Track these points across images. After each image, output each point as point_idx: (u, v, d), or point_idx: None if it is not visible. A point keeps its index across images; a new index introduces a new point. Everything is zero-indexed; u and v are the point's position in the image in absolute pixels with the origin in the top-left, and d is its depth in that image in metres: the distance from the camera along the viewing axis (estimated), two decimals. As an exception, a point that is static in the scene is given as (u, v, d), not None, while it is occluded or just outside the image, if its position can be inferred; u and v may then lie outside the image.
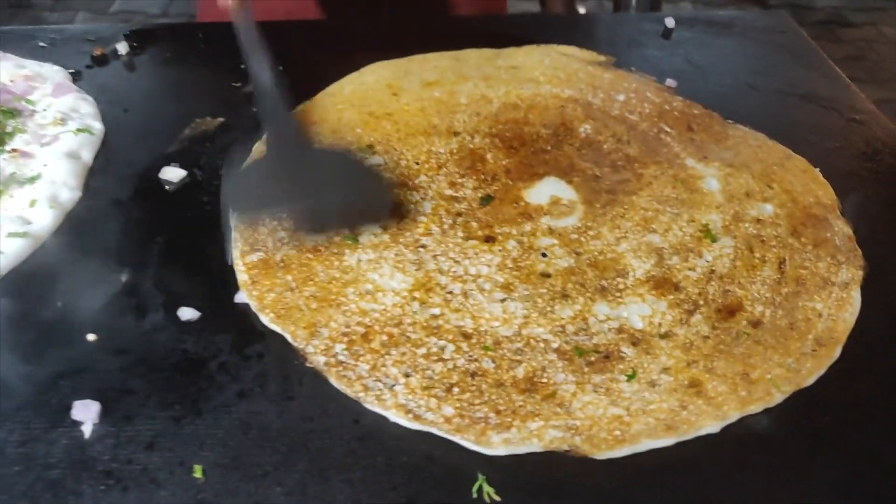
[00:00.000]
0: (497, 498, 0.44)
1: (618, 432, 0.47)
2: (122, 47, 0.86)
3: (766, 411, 0.49)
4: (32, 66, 0.81)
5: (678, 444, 0.47)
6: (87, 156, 0.70)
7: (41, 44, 0.86)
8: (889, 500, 0.45)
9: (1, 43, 0.85)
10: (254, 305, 0.54)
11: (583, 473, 0.45)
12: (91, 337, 0.54)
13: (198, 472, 0.46)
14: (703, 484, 0.45)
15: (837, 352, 0.53)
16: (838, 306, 0.56)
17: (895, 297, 0.58)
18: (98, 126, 0.73)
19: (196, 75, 0.83)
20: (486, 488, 0.44)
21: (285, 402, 0.50)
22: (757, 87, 0.82)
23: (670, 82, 0.81)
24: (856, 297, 0.57)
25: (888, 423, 0.49)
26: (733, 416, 0.48)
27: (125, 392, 0.51)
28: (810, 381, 0.51)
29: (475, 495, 0.44)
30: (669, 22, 0.92)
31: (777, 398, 0.49)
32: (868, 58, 2.49)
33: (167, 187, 0.68)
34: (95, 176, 0.69)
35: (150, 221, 0.64)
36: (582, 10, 1.23)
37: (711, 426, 0.47)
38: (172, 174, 0.68)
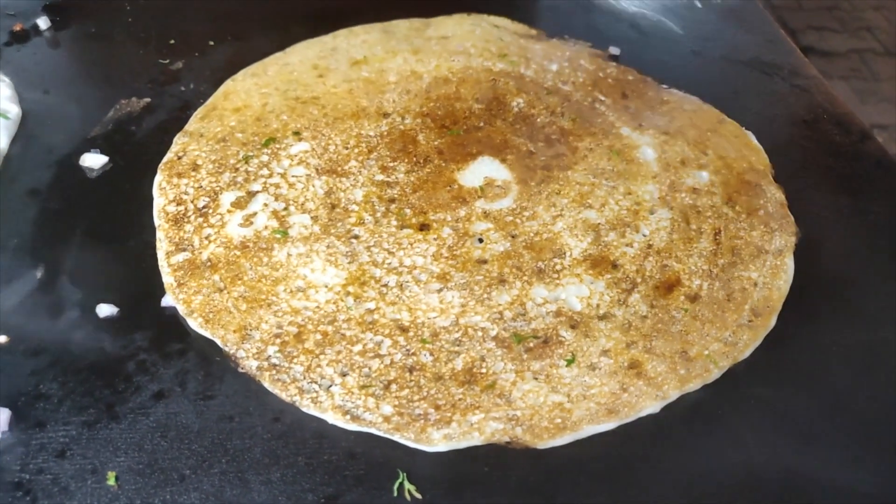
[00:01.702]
0: (418, 496, 0.43)
1: (559, 420, 0.46)
2: (43, 22, 0.80)
3: (704, 387, 0.49)
4: None
5: (619, 428, 0.47)
6: (2, 142, 0.66)
7: None
8: (831, 457, 0.46)
9: None
10: (181, 310, 0.52)
11: (511, 465, 0.45)
12: (2, 339, 0.51)
13: (111, 480, 0.44)
14: (643, 467, 0.45)
15: (773, 321, 0.54)
16: (773, 274, 0.57)
17: (828, 262, 0.59)
18: (15, 109, 0.69)
19: (122, 51, 0.78)
20: (408, 486, 0.44)
21: (205, 401, 0.48)
22: (701, 54, 0.81)
23: (613, 50, 0.79)
24: (789, 263, 0.58)
25: (824, 387, 0.50)
26: (673, 396, 0.48)
27: (37, 397, 0.48)
28: (747, 353, 0.51)
29: (395, 493, 0.44)
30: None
31: (714, 374, 0.50)
32: (840, 7, 2.50)
33: (88, 175, 0.64)
34: (11, 164, 0.65)
35: (68, 212, 0.61)
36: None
37: (652, 407, 0.47)
38: (94, 161, 0.64)
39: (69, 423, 0.47)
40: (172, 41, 0.80)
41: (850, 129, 0.71)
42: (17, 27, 0.81)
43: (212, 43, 0.80)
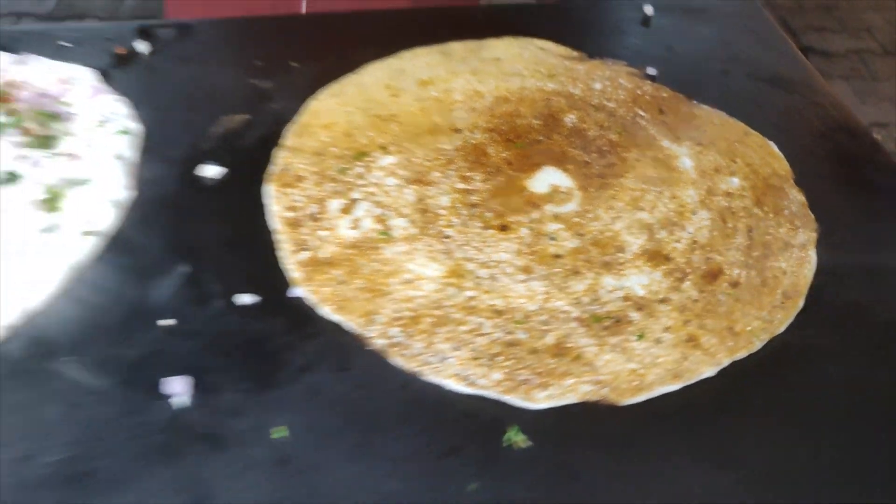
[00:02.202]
0: (527, 444, 0.53)
1: (636, 383, 0.57)
2: (141, 46, 0.90)
3: (750, 356, 0.60)
4: (64, 68, 0.85)
5: (684, 388, 0.57)
6: (131, 156, 0.76)
7: (63, 43, 0.90)
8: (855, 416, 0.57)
9: (24, 43, 0.88)
10: (312, 300, 0.62)
11: (600, 419, 0.56)
12: (164, 322, 0.61)
13: (282, 433, 0.54)
14: (706, 419, 0.56)
15: (801, 302, 0.65)
16: (799, 264, 0.68)
17: (843, 253, 0.70)
18: (135, 126, 0.79)
19: (215, 72, 0.88)
20: (517, 437, 0.54)
21: (341, 372, 0.58)
22: (729, 72, 0.92)
23: (651, 70, 0.90)
24: (812, 255, 0.69)
25: (844, 353, 0.61)
26: (725, 362, 0.59)
27: (203, 369, 0.58)
28: (782, 328, 0.62)
29: (507, 444, 0.54)
30: (648, 10, 1.01)
31: (757, 345, 0.61)
32: (839, 7, 2.60)
33: (207, 183, 0.74)
34: (141, 175, 0.74)
35: (196, 216, 0.70)
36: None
37: (709, 371, 0.58)
38: (210, 171, 0.75)
39: (236, 390, 0.57)
40: (259, 63, 0.91)
41: (861, 139, 0.83)
42: (120, 50, 0.91)
43: (294, 64, 0.90)
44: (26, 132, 0.77)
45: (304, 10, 1.17)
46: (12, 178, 0.71)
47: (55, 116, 0.79)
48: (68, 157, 0.75)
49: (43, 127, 0.78)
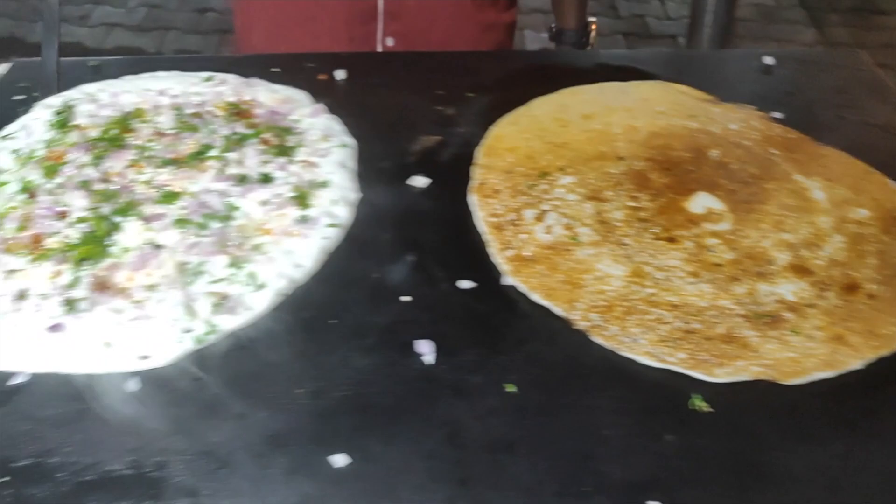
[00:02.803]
0: (709, 410, 0.67)
1: (796, 367, 0.70)
2: (341, 73, 1.08)
3: (893, 355, 0.73)
4: (284, 91, 1.02)
5: (836, 376, 0.71)
6: (353, 166, 0.92)
7: (274, 69, 1.07)
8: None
9: (244, 67, 1.07)
10: (524, 287, 0.77)
11: (768, 395, 0.69)
12: (404, 298, 0.77)
13: (512, 387, 0.69)
14: (857, 400, 0.69)
15: (928, 314, 0.77)
16: (924, 283, 0.80)
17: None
18: (351, 141, 0.96)
19: (405, 98, 1.05)
20: (700, 403, 0.68)
21: (551, 347, 0.72)
22: (845, 118, 1.06)
23: (777, 114, 1.04)
24: (935, 276, 0.81)
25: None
26: (871, 357, 0.72)
27: (441, 336, 0.73)
28: (915, 334, 0.75)
29: (692, 407, 0.68)
30: (769, 60, 1.15)
31: (896, 346, 0.73)
32: None
33: (417, 191, 0.90)
34: (361, 182, 0.91)
35: (413, 217, 0.86)
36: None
37: (857, 364, 0.71)
38: (419, 181, 0.91)
39: (470, 353, 0.71)
40: (440, 92, 1.07)
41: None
42: (323, 76, 1.08)
43: (469, 95, 1.07)
44: (265, 142, 0.94)
45: (379, 48, 1.34)
46: (266, 178, 0.88)
47: (289, 130, 0.96)
48: (304, 164, 0.91)
49: (279, 139, 0.95)
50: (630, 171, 0.93)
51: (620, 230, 0.84)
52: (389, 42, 1.33)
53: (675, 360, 0.70)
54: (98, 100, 0.99)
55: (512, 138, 0.97)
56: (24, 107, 1.00)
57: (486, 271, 0.80)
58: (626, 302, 0.76)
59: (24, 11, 3.25)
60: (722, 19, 1.76)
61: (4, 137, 0.93)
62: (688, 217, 0.87)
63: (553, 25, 1.49)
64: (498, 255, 0.81)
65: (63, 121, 0.95)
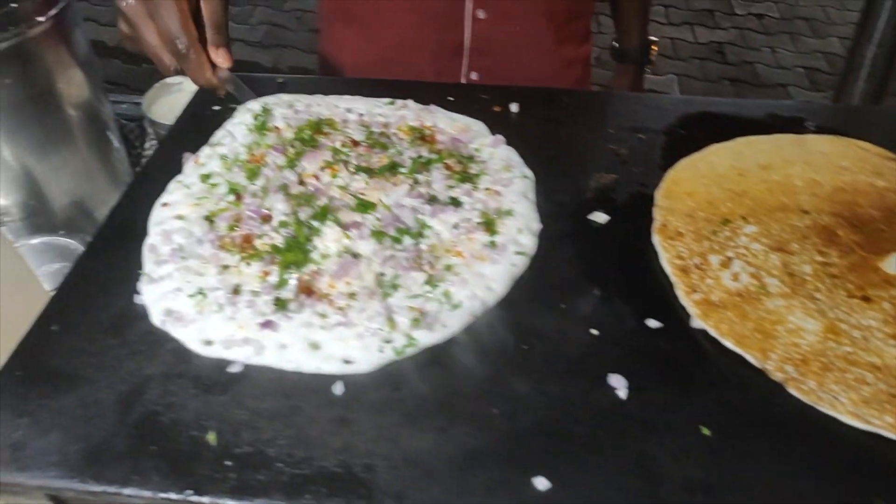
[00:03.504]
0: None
1: None
2: (514, 106, 1.11)
3: None
4: (462, 120, 1.06)
5: None
6: (533, 197, 0.94)
7: (450, 98, 1.11)
8: None
9: (418, 93, 1.11)
10: (714, 332, 0.77)
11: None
12: (593, 331, 0.77)
13: (706, 431, 0.68)
14: None
15: None
16: None
17: None
18: (530, 173, 0.98)
19: (579, 133, 1.07)
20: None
21: (745, 392, 0.72)
22: None
23: (965, 180, 1.00)
24: None
25: None
26: None
27: (632, 372, 0.73)
28: None
29: None
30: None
31: None
32: None
33: (596, 227, 0.91)
34: (541, 213, 0.93)
35: (596, 252, 0.87)
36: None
37: None
38: (599, 217, 0.92)
39: (660, 393, 0.72)
40: (611, 130, 1.08)
41: None
42: (497, 108, 1.11)
43: (640, 136, 1.07)
44: (448, 168, 0.97)
45: (463, 80, 1.35)
46: (455, 202, 0.91)
47: (471, 158, 1.00)
48: (489, 191, 0.94)
49: (462, 165, 0.98)
50: (815, 225, 0.91)
51: (810, 284, 0.83)
52: (474, 76, 1.37)
53: (880, 424, 0.68)
54: (294, 106, 1.05)
55: (690, 182, 0.97)
56: (223, 117, 1.07)
57: (673, 313, 0.80)
58: (822, 357, 0.74)
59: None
60: (881, 73, 1.72)
61: (213, 144, 0.99)
62: (883, 277, 0.84)
63: (615, 42, 1.50)
64: (685, 298, 0.81)
65: (262, 124, 1.01)
